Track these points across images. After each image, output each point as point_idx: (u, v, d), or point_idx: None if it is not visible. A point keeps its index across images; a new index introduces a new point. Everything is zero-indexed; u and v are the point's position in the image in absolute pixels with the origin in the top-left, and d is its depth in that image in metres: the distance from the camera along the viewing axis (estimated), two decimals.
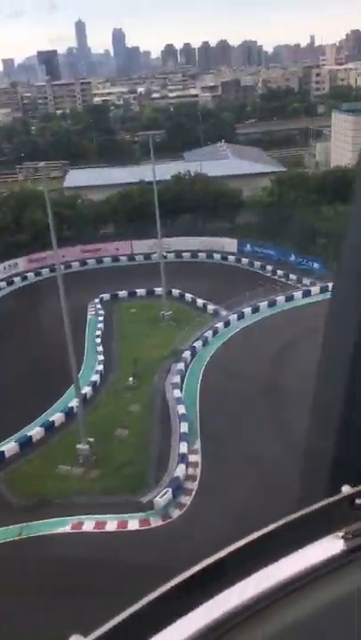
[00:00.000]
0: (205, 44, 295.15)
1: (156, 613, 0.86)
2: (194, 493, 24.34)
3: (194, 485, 24.81)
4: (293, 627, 0.90)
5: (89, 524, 22.87)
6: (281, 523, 0.94)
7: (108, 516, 23.29)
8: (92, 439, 27.19)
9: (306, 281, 45.74)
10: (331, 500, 0.96)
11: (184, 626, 0.87)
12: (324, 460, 1.65)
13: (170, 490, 24.04)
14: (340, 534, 0.96)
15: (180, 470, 25.25)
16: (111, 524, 22.88)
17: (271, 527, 0.94)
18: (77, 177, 71.59)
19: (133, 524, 22.92)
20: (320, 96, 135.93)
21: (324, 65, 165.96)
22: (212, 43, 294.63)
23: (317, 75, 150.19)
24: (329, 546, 0.96)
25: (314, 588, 0.93)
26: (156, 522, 23.02)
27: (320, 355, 1.73)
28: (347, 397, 1.59)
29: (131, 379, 33.35)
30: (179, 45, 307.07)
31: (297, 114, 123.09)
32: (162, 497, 23.66)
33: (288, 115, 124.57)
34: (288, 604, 0.91)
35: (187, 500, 24.08)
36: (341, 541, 0.95)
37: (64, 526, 22.78)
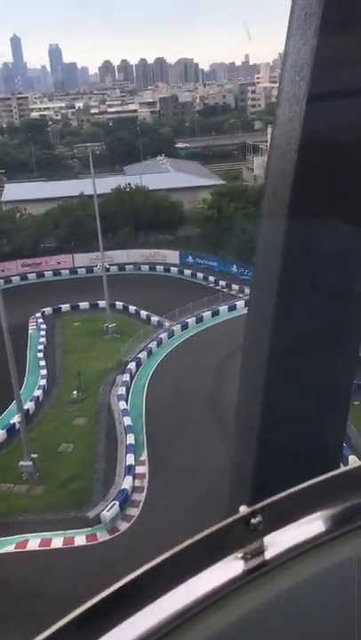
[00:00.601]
0: (143, 60, 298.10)
1: None
2: (141, 505, 24.05)
3: (141, 497, 24.53)
4: None
5: (34, 543, 22.17)
6: (180, 548, 0.92)
7: (53, 533, 22.67)
8: (35, 455, 26.49)
9: (248, 290, 46.39)
10: (228, 521, 0.96)
11: None
12: (246, 475, 1.70)
13: (117, 503, 23.66)
14: (240, 555, 0.96)
15: (126, 482, 24.91)
16: (57, 542, 22.26)
17: (170, 553, 0.92)
18: (16, 191, 70.47)
19: (80, 540, 22.39)
20: (256, 112, 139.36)
21: (259, 82, 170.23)
22: (150, 59, 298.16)
23: (253, 92, 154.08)
24: (229, 567, 0.96)
25: (216, 610, 0.93)
26: (103, 536, 22.58)
27: (240, 369, 1.73)
28: (263, 412, 1.62)
29: (75, 392, 32.80)
30: (116, 62, 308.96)
31: (234, 129, 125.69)
32: (109, 510, 23.25)
33: (226, 130, 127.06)
34: (191, 629, 0.91)
35: (134, 511, 23.77)
36: (241, 562, 0.96)
37: (8, 546, 21.98)
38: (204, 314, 42.77)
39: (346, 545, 1.02)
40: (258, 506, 0.98)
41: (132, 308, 44.31)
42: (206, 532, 0.94)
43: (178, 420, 29.23)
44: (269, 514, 0.99)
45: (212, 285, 49.53)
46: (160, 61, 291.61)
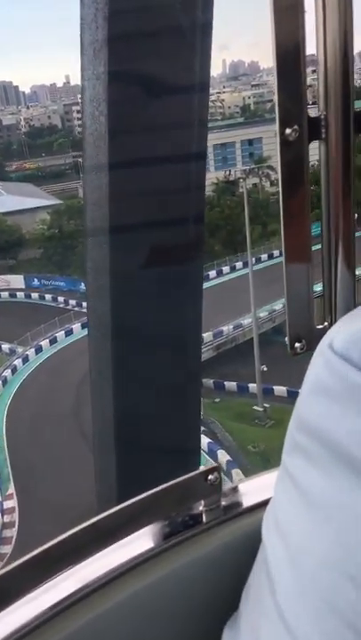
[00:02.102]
0: None
1: None
2: (14, 541, 22.70)
3: (13, 532, 23.15)
4: None
5: None
6: None
7: None
8: None
9: None
10: None
11: None
12: (109, 478, 1.75)
13: None
14: None
15: None
16: None
17: None
18: None
19: None
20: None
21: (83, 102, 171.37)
22: None
23: (78, 111, 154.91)
24: None
25: None
26: None
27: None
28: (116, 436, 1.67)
29: None
30: None
31: (64, 149, 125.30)
32: None
33: (55, 151, 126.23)
34: None
35: (7, 549, 22.36)
36: None
37: None
38: (57, 334, 41.77)
39: (72, 619, 0.92)
40: None
41: None
42: None
43: (44, 446, 28.10)
44: None
45: (62, 305, 48.57)
46: None
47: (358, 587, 0.69)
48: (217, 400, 32.61)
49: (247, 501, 1.07)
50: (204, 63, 1.40)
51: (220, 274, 48.78)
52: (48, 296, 50.70)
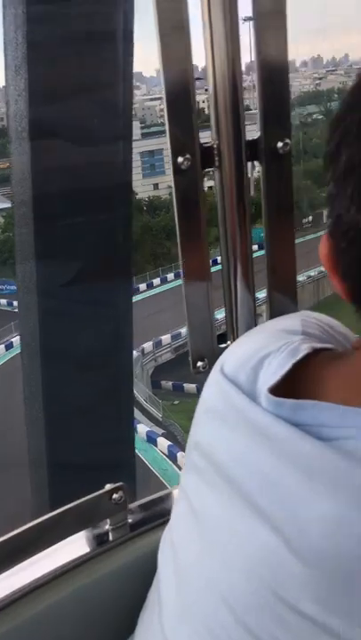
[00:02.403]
0: None
1: None
2: None
3: None
4: None
5: None
6: None
7: None
8: None
9: None
10: None
11: None
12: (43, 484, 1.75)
13: None
14: None
15: None
16: None
17: None
18: None
19: None
20: None
21: None
22: None
23: None
24: None
25: None
26: None
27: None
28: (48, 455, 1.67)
29: None
30: None
31: None
32: None
33: (8, 153, 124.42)
34: None
35: None
36: None
37: None
38: (13, 339, 40.98)
39: None
40: None
41: None
42: None
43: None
44: None
45: (17, 310, 47.70)
46: None
47: (232, 612, 0.66)
48: (176, 402, 32.59)
49: (153, 519, 1.08)
50: (127, 72, 1.39)
51: (178, 276, 48.74)
52: (3, 300, 49.63)
